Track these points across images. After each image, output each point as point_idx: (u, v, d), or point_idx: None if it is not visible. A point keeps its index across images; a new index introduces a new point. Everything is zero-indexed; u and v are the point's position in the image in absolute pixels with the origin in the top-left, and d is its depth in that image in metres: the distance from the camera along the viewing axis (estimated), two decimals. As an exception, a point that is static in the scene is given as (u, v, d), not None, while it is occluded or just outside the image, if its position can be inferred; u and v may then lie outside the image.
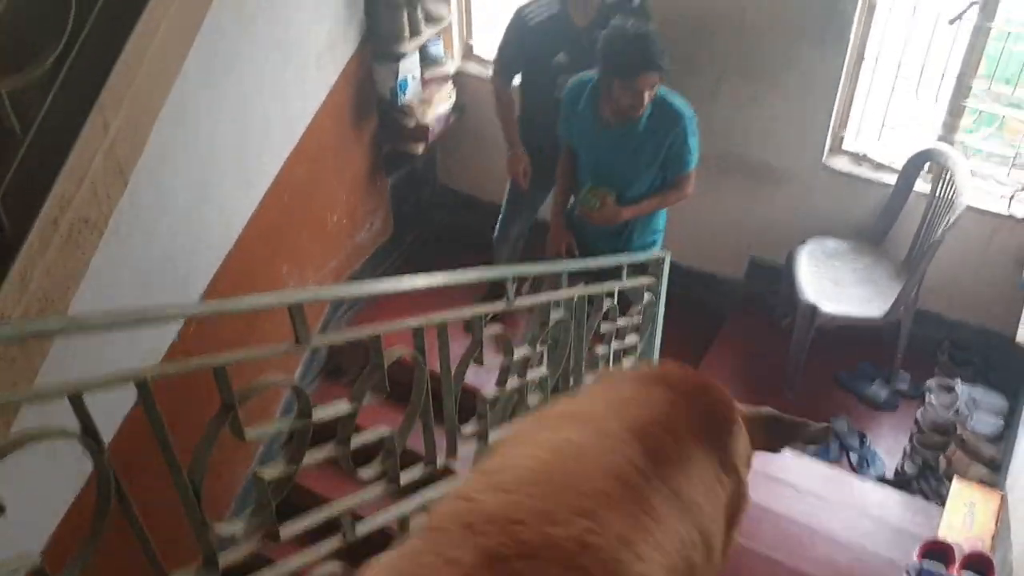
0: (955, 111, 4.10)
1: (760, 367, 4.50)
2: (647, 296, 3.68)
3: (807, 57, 4.07)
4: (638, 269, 3.63)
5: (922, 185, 4.17)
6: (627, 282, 3.50)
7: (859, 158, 4.35)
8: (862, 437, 4.20)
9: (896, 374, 4.43)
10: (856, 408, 4.37)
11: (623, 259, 3.50)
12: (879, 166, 4.31)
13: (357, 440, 2.31)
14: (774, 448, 2.22)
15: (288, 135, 3.93)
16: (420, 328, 2.39)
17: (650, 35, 3.31)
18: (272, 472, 2.15)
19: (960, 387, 4.07)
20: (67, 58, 2.37)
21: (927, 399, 4.09)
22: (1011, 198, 4.03)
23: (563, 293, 3.05)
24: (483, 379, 2.96)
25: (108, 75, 2.54)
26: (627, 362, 3.74)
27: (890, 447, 4.22)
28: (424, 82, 4.66)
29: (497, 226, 4.48)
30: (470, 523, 1.31)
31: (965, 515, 3.52)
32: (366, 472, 2.41)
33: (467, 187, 5.23)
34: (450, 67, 4.78)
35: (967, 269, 4.22)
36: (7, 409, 2.31)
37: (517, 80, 4.16)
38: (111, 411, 2.93)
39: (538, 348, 3.00)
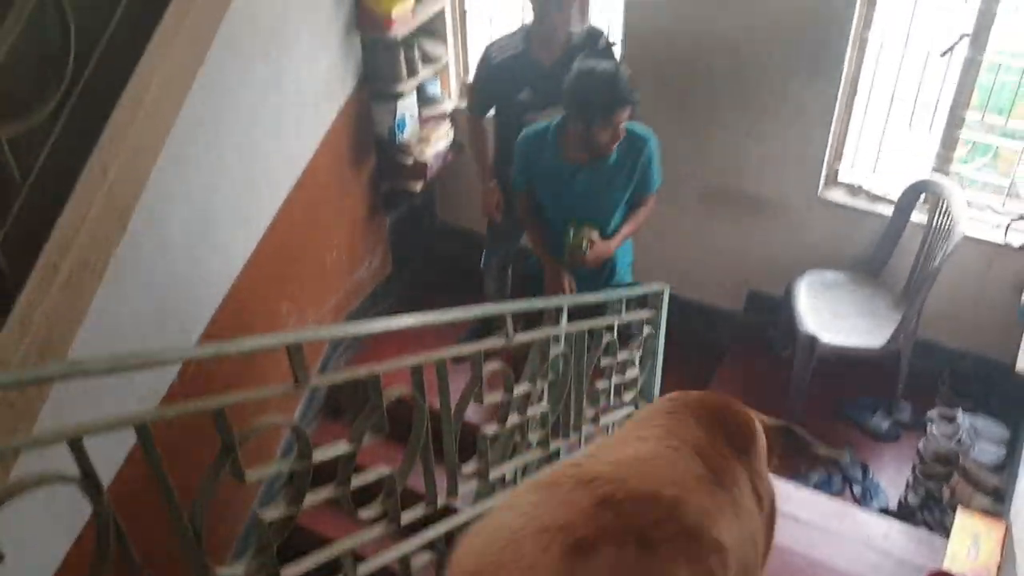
0: (949, 142, 4.13)
1: (761, 399, 4.44)
2: (647, 329, 3.68)
3: (801, 91, 4.10)
4: (637, 302, 3.64)
5: (918, 216, 4.19)
6: (626, 315, 3.51)
7: (855, 190, 4.37)
8: (864, 468, 4.19)
9: (897, 405, 4.42)
10: (858, 439, 4.36)
11: (622, 293, 3.51)
12: (875, 197, 4.33)
13: (357, 480, 2.31)
14: (788, 458, 2.34)
15: (286, 175, 3.95)
16: (419, 366, 2.39)
17: (618, 71, 3.34)
18: (273, 513, 2.15)
19: (961, 417, 4.06)
20: (66, 104, 2.39)
21: (929, 429, 4.08)
22: (1007, 227, 4.04)
23: (562, 328, 3.05)
24: (483, 415, 2.96)
25: (107, 121, 2.57)
26: (628, 396, 3.74)
27: (893, 478, 4.20)
28: (422, 120, 4.69)
29: (483, 258, 4.54)
30: (582, 479, 1.55)
31: (970, 546, 3.50)
32: (367, 512, 2.41)
33: (466, 223, 5.25)
34: (447, 105, 4.82)
35: (965, 299, 4.23)
36: (6, 454, 2.31)
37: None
38: (110, 453, 2.92)
39: (538, 384, 3.00)
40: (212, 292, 3.61)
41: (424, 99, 4.69)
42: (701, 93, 4.33)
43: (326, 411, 4.64)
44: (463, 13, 4.75)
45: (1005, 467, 3.98)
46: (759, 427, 2.06)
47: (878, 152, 4.30)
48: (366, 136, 4.49)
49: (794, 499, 3.88)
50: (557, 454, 3.30)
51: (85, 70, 2.44)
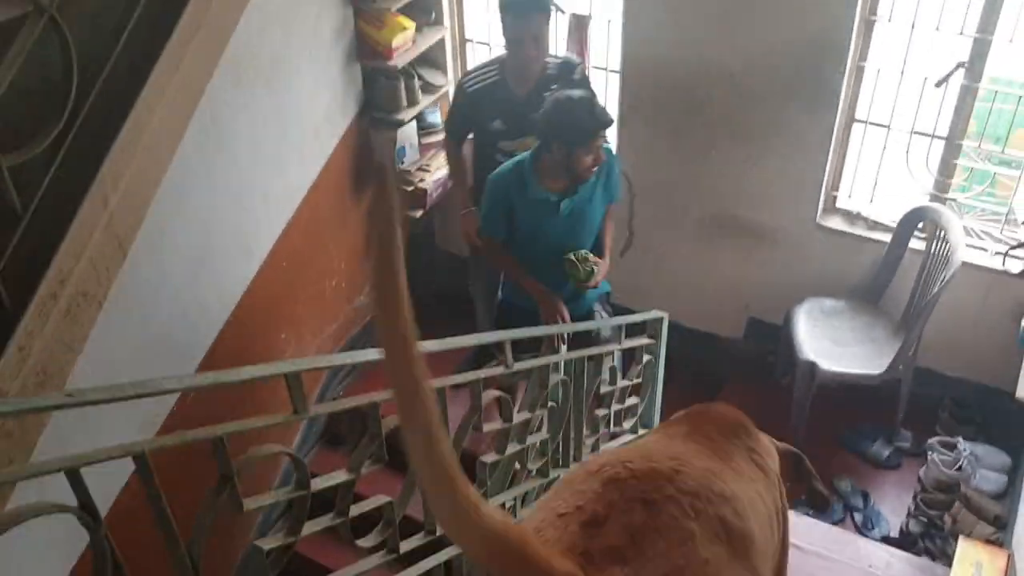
0: (946, 170, 4.15)
1: (762, 426, 4.46)
2: (646, 357, 3.68)
3: (798, 119, 4.13)
4: (636, 329, 3.64)
5: (917, 243, 4.20)
6: (626, 343, 3.51)
7: (853, 217, 4.39)
8: (865, 496, 4.18)
9: (897, 432, 4.41)
10: (859, 467, 4.35)
11: (621, 320, 3.51)
12: (873, 225, 4.34)
13: (356, 509, 2.30)
14: (792, 483, 2.46)
15: (286, 204, 3.97)
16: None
17: (593, 97, 3.49)
18: (271, 543, 2.14)
19: (962, 444, 4.05)
20: (68, 135, 2.41)
21: (929, 457, 4.07)
22: (1005, 255, 4.05)
23: (562, 356, 3.06)
24: (483, 442, 2.96)
25: (108, 152, 2.58)
26: (627, 424, 3.74)
27: (894, 506, 4.19)
28: (422, 149, 4.72)
29: (470, 286, 4.58)
30: (590, 470, 1.71)
31: (972, 575, 3.48)
32: (366, 541, 2.40)
33: (464, 250, 5.25)
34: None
35: (965, 326, 4.23)
36: (4, 484, 2.30)
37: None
38: (107, 480, 2.91)
39: (537, 411, 3.00)
40: (211, 320, 3.62)
41: (424, 127, 4.72)
42: (699, 121, 4.36)
43: (325, 439, 4.63)
44: (463, 42, 4.79)
45: (1007, 495, 3.96)
46: (747, 419, 2.26)
47: (876, 180, 4.32)
48: (366, 164, 4.51)
49: (795, 527, 3.85)
50: (557, 482, 3.29)
51: (87, 101, 2.46)
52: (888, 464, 4.36)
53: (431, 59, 4.63)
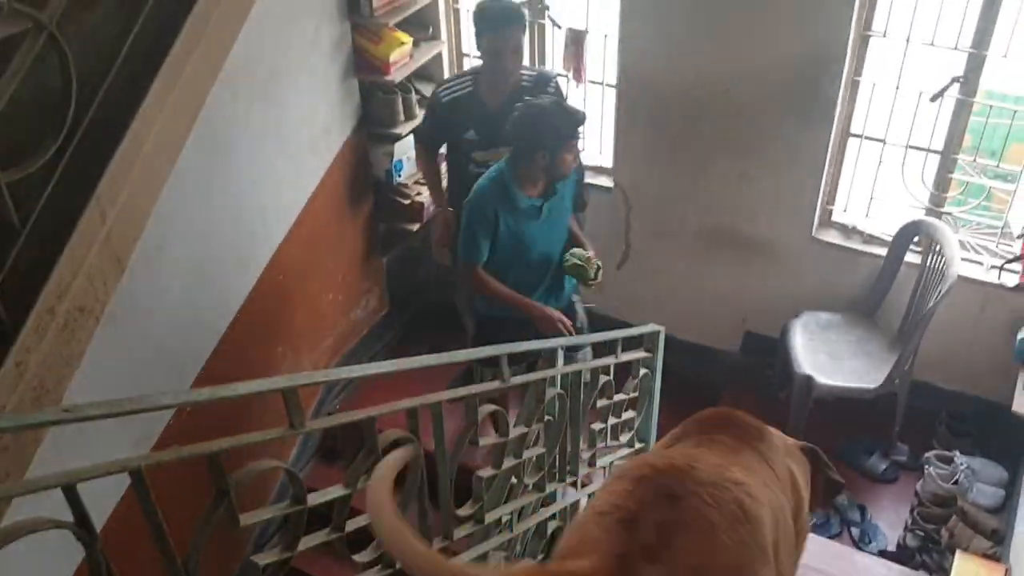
0: (942, 184, 4.16)
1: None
2: (643, 370, 3.69)
3: (794, 134, 4.14)
4: (633, 343, 3.64)
5: (912, 257, 4.21)
6: (623, 356, 3.51)
7: (849, 231, 4.40)
8: (863, 510, 4.18)
9: (894, 446, 4.42)
10: (856, 481, 4.35)
11: (619, 334, 3.51)
12: (869, 238, 4.36)
13: (352, 524, 2.30)
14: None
15: (284, 218, 3.98)
16: (414, 409, 2.39)
17: (560, 99, 3.63)
18: (267, 558, 2.14)
19: (959, 458, 4.06)
20: (66, 151, 2.41)
21: (926, 471, 4.08)
22: (1001, 268, 4.06)
23: (559, 370, 3.06)
24: (479, 457, 2.96)
25: (106, 168, 2.59)
26: (624, 437, 3.74)
27: (891, 520, 4.19)
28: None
29: (456, 298, 4.53)
30: (622, 475, 1.94)
31: (969, 589, 3.49)
32: (362, 556, 2.40)
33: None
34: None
35: (961, 339, 4.24)
36: (0, 500, 2.30)
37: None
38: (104, 495, 2.91)
39: (534, 425, 3.00)
40: (208, 334, 3.62)
41: (421, 142, 4.72)
42: (695, 136, 4.37)
43: (321, 453, 4.63)
44: (460, 56, 4.81)
45: (1004, 509, 3.97)
46: (765, 426, 2.38)
47: (871, 193, 4.33)
48: (363, 178, 4.53)
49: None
50: (553, 496, 3.30)
51: (85, 117, 2.47)
52: (885, 478, 4.36)
53: (428, 74, 4.65)
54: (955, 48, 3.84)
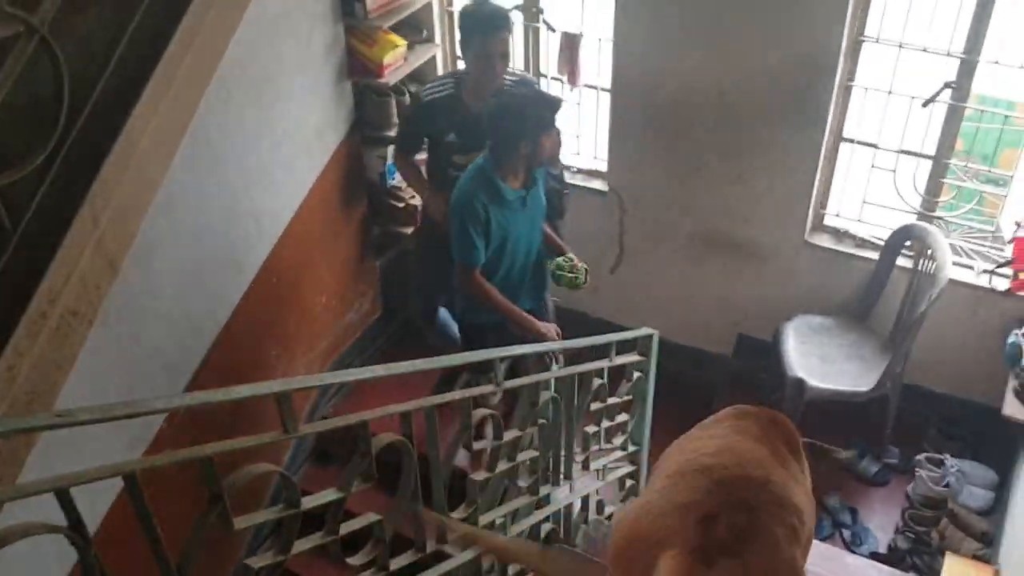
0: (934, 188, 4.18)
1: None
2: (636, 374, 3.69)
3: (787, 138, 4.16)
4: (626, 346, 3.65)
5: (904, 261, 4.22)
6: (617, 359, 3.52)
7: (841, 235, 4.42)
8: (854, 513, 4.19)
9: (885, 448, 4.43)
10: (847, 483, 4.36)
11: (613, 337, 3.52)
12: (861, 243, 4.37)
13: (346, 527, 2.31)
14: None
15: (277, 221, 3.97)
16: (408, 413, 2.40)
17: (535, 88, 3.72)
18: (261, 561, 2.15)
19: (949, 461, 4.08)
20: (58, 154, 2.41)
21: (917, 473, 4.10)
22: (992, 273, 4.08)
23: (552, 374, 3.07)
24: (473, 460, 2.96)
25: (99, 171, 2.58)
26: (617, 440, 3.75)
27: (882, 522, 4.20)
28: (412, 165, 4.73)
29: (422, 310, 4.50)
30: (699, 469, 2.07)
31: (959, 591, 3.51)
32: (356, 559, 2.40)
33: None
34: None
35: (952, 343, 4.26)
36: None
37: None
38: (97, 498, 2.91)
39: (527, 429, 3.01)
40: (202, 337, 3.62)
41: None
42: (689, 139, 4.38)
43: (315, 456, 4.63)
44: (454, 60, 4.81)
45: (994, 511, 3.98)
46: (790, 425, 2.49)
47: (863, 198, 4.34)
48: (357, 181, 4.52)
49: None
50: (547, 499, 3.31)
51: (78, 120, 2.46)
52: (876, 480, 4.37)
53: (422, 76, 4.64)
54: (947, 53, 3.86)
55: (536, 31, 4.59)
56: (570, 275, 3.72)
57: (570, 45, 4.46)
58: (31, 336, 2.49)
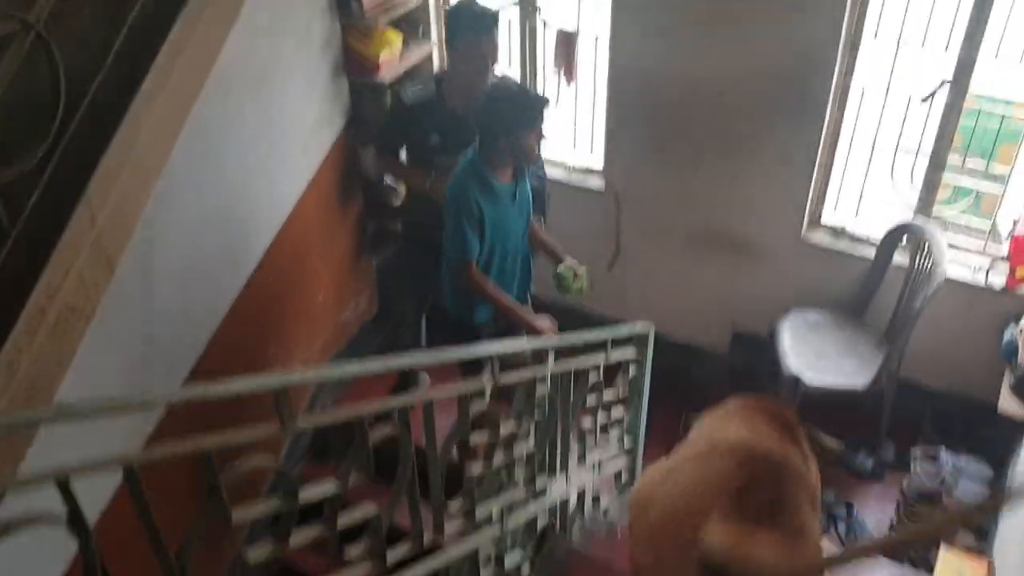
0: (931, 185, 4.19)
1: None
2: (632, 369, 3.71)
3: (784, 134, 4.16)
4: (622, 342, 3.66)
5: (900, 258, 4.23)
6: (613, 355, 3.53)
7: (837, 232, 4.42)
8: (849, 507, 4.21)
9: (881, 444, 4.44)
10: (842, 478, 4.37)
11: (609, 333, 3.53)
12: (858, 239, 4.38)
13: (343, 519, 2.32)
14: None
15: (274, 218, 3.98)
16: (405, 408, 2.41)
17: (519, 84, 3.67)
18: (258, 554, 2.16)
19: (944, 456, 4.09)
20: (55, 152, 2.42)
21: (912, 468, 4.11)
22: (988, 270, 4.09)
23: (549, 368, 3.08)
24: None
25: (96, 167, 2.59)
26: (613, 434, 3.76)
27: (877, 517, 4.22)
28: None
29: (397, 312, 4.56)
30: (724, 450, 2.32)
31: (954, 585, 3.52)
32: (352, 551, 2.41)
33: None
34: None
35: (948, 340, 4.27)
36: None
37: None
38: (96, 490, 2.91)
39: (524, 423, 3.02)
40: (199, 333, 3.62)
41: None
42: (686, 137, 4.39)
43: (313, 449, 4.63)
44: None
45: (989, 506, 3.99)
46: (793, 415, 2.68)
47: (860, 195, 4.35)
48: (353, 178, 4.53)
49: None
50: (543, 492, 3.32)
51: (75, 117, 2.47)
52: (871, 475, 4.38)
53: (419, 74, 4.65)
54: (946, 50, 3.86)
55: (532, 28, 4.60)
56: (575, 285, 3.78)
57: (566, 42, 4.47)
58: (30, 332, 2.50)
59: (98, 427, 2.39)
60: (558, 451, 3.31)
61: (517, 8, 4.49)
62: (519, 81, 4.04)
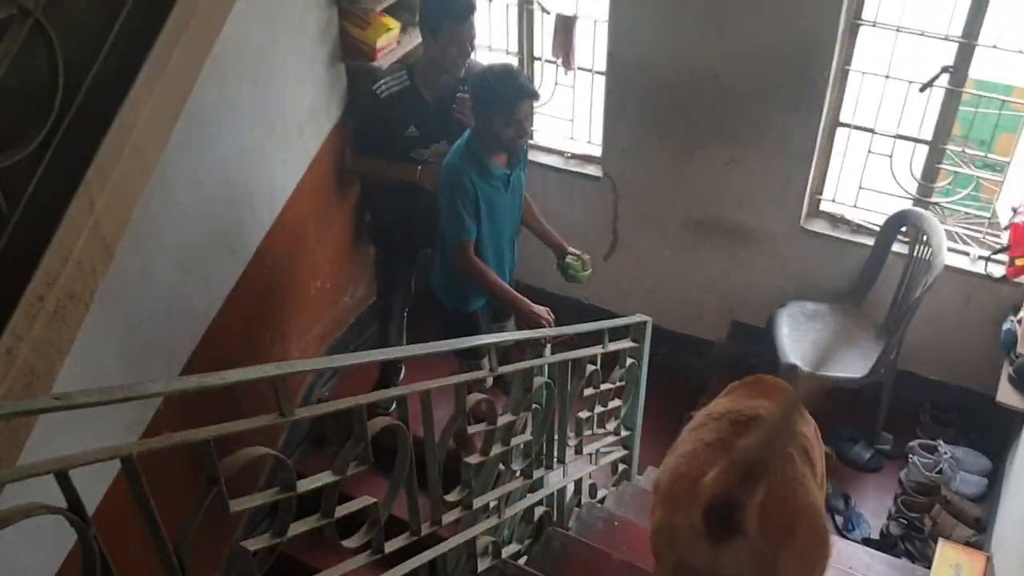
0: (930, 174, 4.18)
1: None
2: (629, 360, 3.70)
3: (783, 122, 4.15)
4: (620, 333, 3.66)
5: (899, 247, 4.23)
6: (610, 346, 3.53)
7: (836, 220, 4.42)
8: (846, 498, 4.21)
9: (879, 435, 4.45)
10: (840, 469, 4.37)
11: (606, 324, 3.53)
12: (857, 228, 4.37)
13: (342, 510, 2.32)
14: None
15: (271, 205, 3.97)
16: (403, 397, 2.40)
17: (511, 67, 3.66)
18: (257, 544, 2.15)
19: (943, 447, 4.09)
20: (54, 138, 2.40)
21: (910, 460, 4.11)
22: (988, 259, 4.08)
23: (545, 359, 3.08)
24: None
25: (95, 153, 2.57)
26: (610, 426, 3.76)
27: (875, 508, 4.22)
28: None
29: (381, 307, 4.53)
30: (721, 417, 2.41)
31: (952, 576, 3.52)
32: (351, 542, 2.41)
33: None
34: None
35: (946, 330, 4.27)
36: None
37: None
38: (94, 480, 2.91)
39: (521, 414, 3.02)
40: (197, 321, 3.62)
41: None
42: (684, 123, 4.38)
43: (311, 439, 4.63)
44: (449, 43, 4.78)
45: (986, 498, 4.00)
46: (789, 388, 2.79)
47: (860, 183, 4.34)
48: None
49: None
50: (540, 483, 3.32)
51: (73, 103, 2.45)
52: (869, 466, 4.39)
53: (416, 60, 4.61)
54: (945, 38, 3.85)
55: (531, 13, 4.58)
56: (584, 273, 3.91)
57: (564, 28, 4.45)
58: (29, 319, 2.48)
59: (96, 415, 2.39)
60: (556, 441, 3.31)
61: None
62: (516, 66, 4.02)
